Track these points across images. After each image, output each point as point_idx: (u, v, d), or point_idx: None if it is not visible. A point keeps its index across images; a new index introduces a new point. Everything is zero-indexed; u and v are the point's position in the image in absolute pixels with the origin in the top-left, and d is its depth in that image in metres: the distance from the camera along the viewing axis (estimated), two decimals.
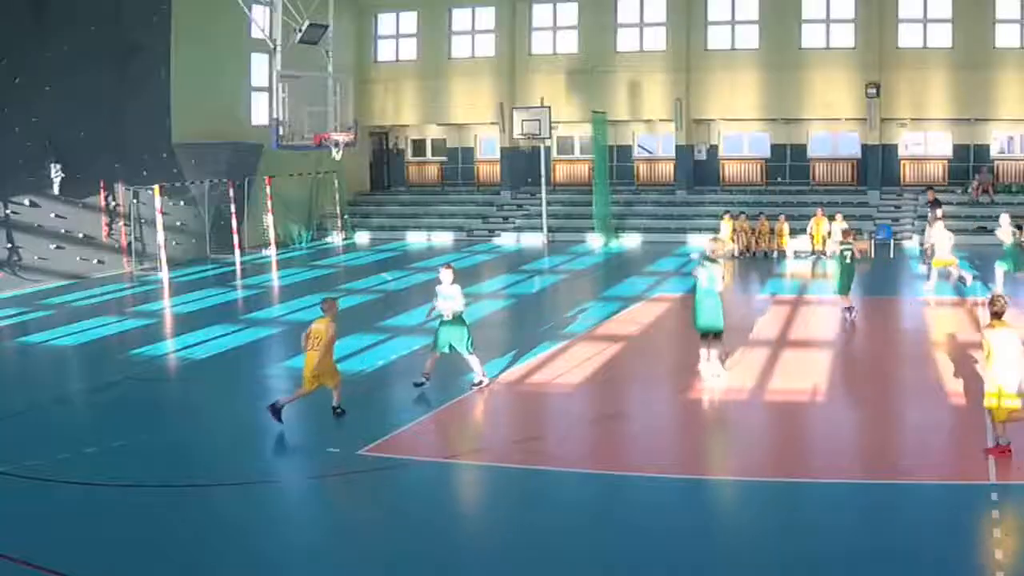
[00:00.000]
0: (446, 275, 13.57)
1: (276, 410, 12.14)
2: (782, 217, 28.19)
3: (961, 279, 20.97)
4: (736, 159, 35.01)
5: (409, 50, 36.89)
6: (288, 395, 12.67)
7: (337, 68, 25.09)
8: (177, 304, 22.06)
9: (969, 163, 32.08)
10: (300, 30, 23.09)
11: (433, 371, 13.70)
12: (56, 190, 24.64)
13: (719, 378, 14.04)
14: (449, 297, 13.51)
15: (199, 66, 28.19)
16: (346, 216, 34.88)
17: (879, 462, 10.84)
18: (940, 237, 21.98)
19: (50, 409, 13.47)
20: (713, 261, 14.07)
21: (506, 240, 32.86)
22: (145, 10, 26.83)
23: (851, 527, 8.98)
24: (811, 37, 32.46)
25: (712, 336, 14.12)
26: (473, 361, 13.78)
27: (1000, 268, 20.20)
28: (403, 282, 24.82)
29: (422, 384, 13.66)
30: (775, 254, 27.58)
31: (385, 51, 37.31)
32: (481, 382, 13.90)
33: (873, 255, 25.71)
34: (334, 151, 24.55)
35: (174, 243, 28.12)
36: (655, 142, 36.07)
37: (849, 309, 18.04)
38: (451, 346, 13.58)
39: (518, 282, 25.18)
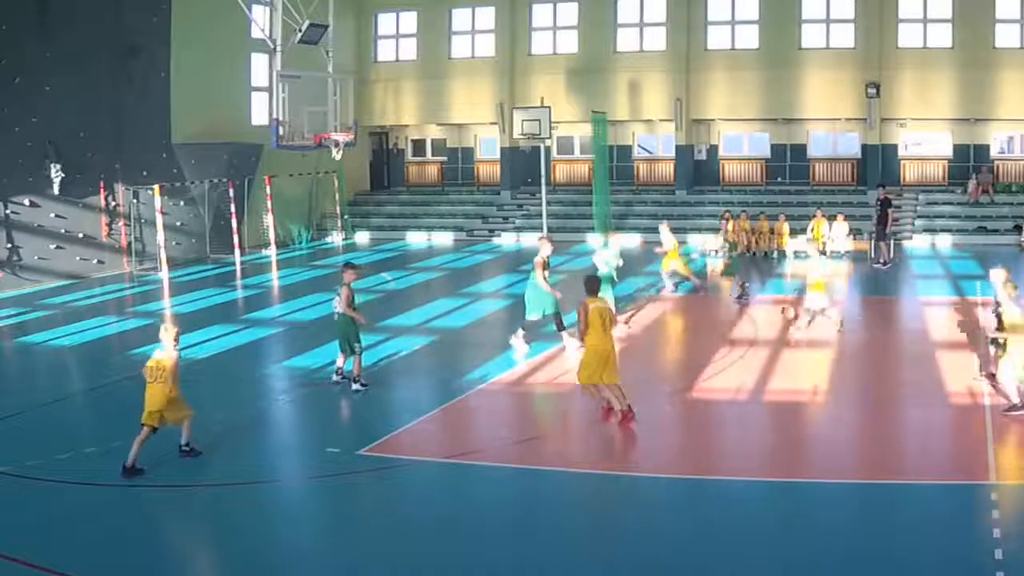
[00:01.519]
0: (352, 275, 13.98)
1: (128, 470, 10.58)
2: (782, 217, 28.20)
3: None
4: (736, 159, 35.01)
5: (409, 50, 36.89)
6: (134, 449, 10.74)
7: (337, 68, 25.10)
8: (177, 304, 22.06)
9: (969, 163, 32.09)
10: (300, 30, 23.10)
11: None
12: (56, 190, 24.66)
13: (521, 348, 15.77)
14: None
15: (199, 66, 28.18)
16: (346, 216, 34.88)
17: (879, 462, 10.84)
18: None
19: (50, 409, 13.47)
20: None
21: (506, 240, 32.85)
22: (145, 10, 26.84)
23: (851, 527, 8.98)
24: (811, 37, 32.46)
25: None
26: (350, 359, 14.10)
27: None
28: (403, 282, 24.82)
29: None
30: (775, 254, 27.58)
31: (385, 51, 37.30)
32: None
33: (873, 255, 25.70)
34: (334, 151, 24.55)
35: (174, 243, 28.12)
36: (655, 142, 36.07)
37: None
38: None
39: (518, 282, 25.13)
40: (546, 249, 16.28)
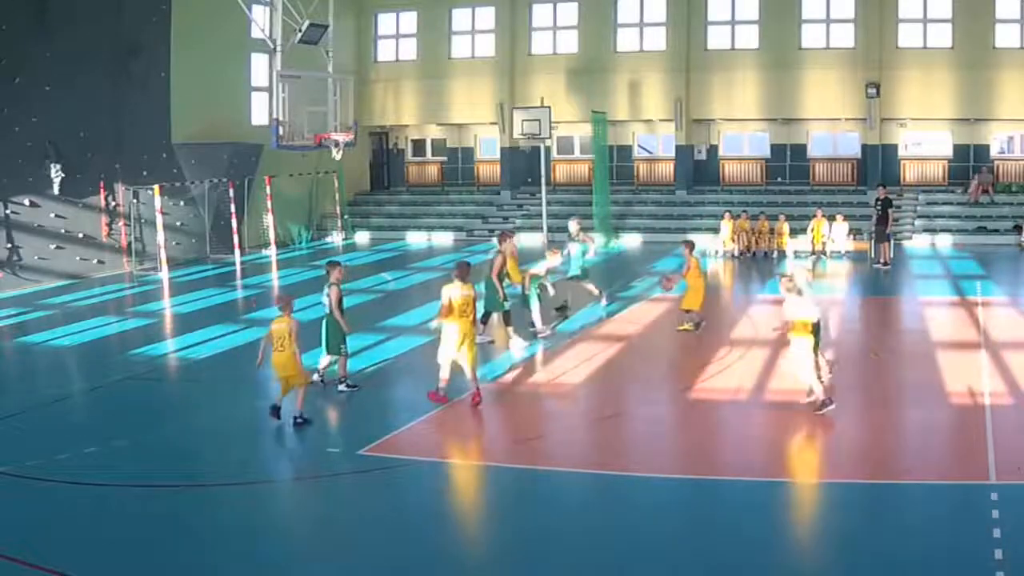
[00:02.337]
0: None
1: (276, 409, 12.26)
2: (782, 217, 28.19)
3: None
4: (736, 159, 35.00)
5: (409, 50, 36.89)
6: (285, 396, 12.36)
7: (337, 68, 25.10)
8: (177, 304, 22.06)
9: (969, 163, 32.09)
10: (300, 30, 23.10)
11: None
12: (56, 190, 24.64)
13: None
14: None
15: (199, 66, 28.17)
16: (346, 216, 34.87)
17: (879, 462, 10.84)
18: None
19: (50, 409, 13.47)
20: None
21: None
22: (145, 10, 26.83)
23: (851, 527, 8.98)
24: (811, 37, 32.46)
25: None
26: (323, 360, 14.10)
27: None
28: (403, 282, 24.82)
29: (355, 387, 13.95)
30: (775, 254, 27.58)
31: (385, 51, 37.30)
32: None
33: (873, 255, 25.71)
34: (334, 151, 24.55)
35: (174, 243, 28.11)
36: (655, 142, 36.07)
37: None
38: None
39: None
40: (507, 246, 16.67)
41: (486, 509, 9.97)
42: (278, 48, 22.78)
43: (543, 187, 32.00)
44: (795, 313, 12.34)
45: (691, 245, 17.99)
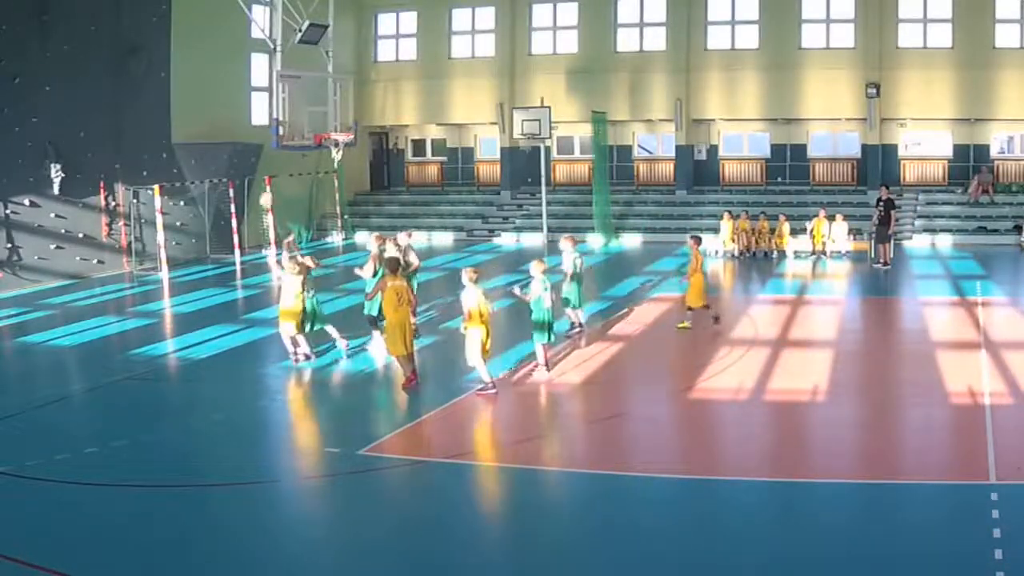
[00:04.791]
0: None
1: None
2: (782, 217, 28.18)
3: None
4: (736, 159, 35.00)
5: (409, 50, 36.89)
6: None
7: (337, 68, 25.15)
8: (177, 304, 22.05)
9: (969, 163, 32.09)
10: (300, 30, 23.13)
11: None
12: (56, 190, 24.63)
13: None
14: None
15: (199, 66, 28.16)
16: (346, 216, 34.88)
17: (879, 462, 10.85)
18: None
19: (50, 409, 13.47)
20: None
21: (506, 240, 32.85)
22: (145, 10, 26.81)
23: (851, 527, 8.98)
24: (811, 37, 32.46)
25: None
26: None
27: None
28: None
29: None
30: (775, 254, 27.58)
31: (385, 51, 37.31)
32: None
33: (873, 255, 25.71)
34: (334, 151, 24.57)
35: (174, 243, 28.10)
36: (655, 142, 36.08)
37: None
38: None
39: (518, 282, 25.12)
40: (372, 246, 17.42)
41: (486, 509, 9.96)
42: (278, 48, 22.82)
43: (543, 187, 32.01)
44: (470, 303, 13.29)
45: (698, 240, 17.98)
